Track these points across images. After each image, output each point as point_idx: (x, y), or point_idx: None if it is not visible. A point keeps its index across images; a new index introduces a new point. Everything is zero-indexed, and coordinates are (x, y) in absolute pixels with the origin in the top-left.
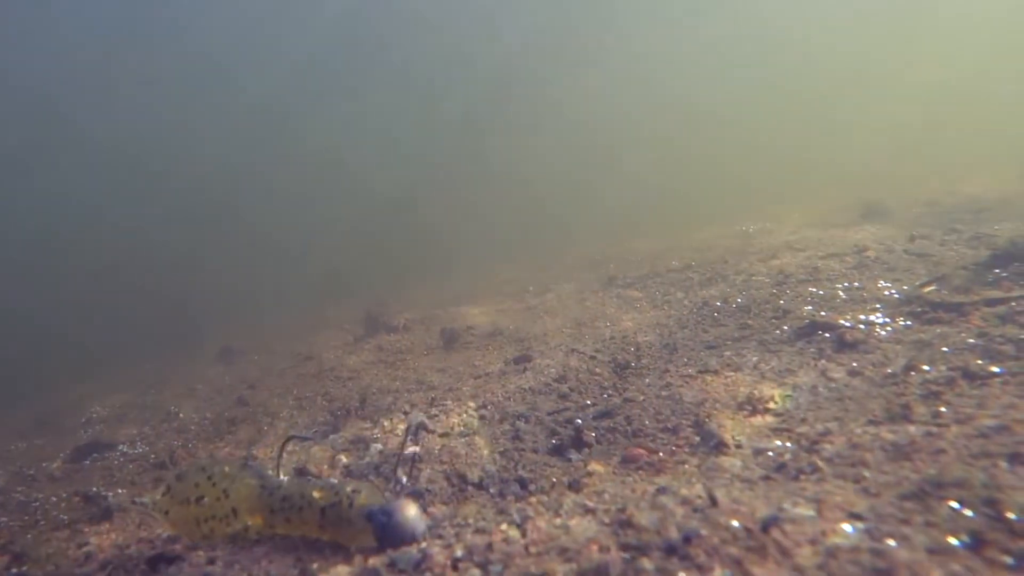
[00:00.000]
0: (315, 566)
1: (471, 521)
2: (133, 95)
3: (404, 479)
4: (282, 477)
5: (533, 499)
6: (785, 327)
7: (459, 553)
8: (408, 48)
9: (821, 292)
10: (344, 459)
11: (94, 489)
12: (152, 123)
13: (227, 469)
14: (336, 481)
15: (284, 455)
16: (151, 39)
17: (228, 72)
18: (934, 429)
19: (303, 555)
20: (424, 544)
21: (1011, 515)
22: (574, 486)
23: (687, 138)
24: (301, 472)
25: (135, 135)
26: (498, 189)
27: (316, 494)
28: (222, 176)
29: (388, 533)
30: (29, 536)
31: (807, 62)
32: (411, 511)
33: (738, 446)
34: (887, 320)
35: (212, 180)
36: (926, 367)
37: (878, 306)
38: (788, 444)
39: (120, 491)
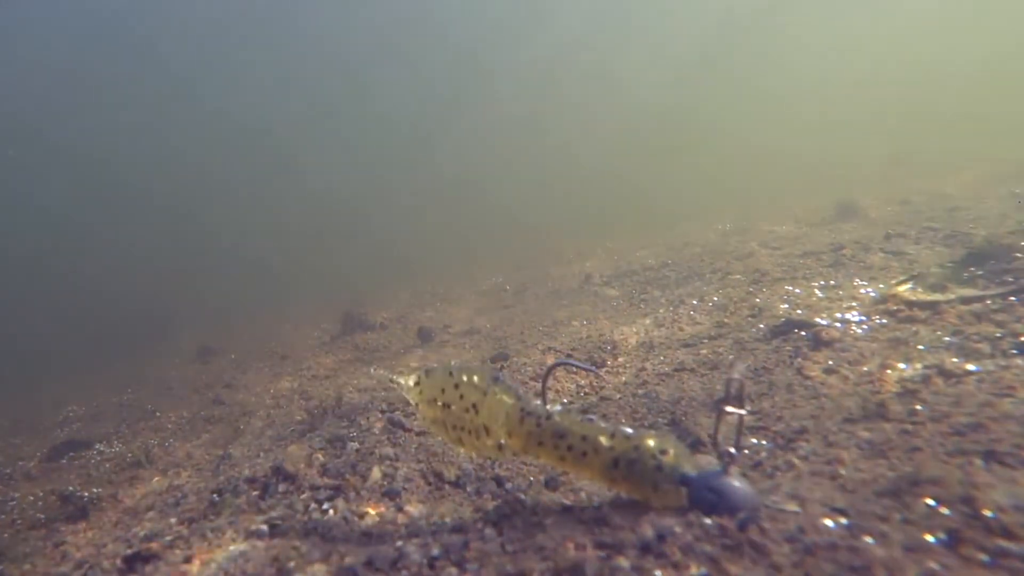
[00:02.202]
0: (291, 565)
1: (448, 520)
2: (102, 102)
3: (731, 448)
4: (548, 408)
5: (510, 497)
6: (761, 325)
7: (436, 552)
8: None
9: (797, 290)
10: (320, 457)
11: (71, 488)
12: (124, 129)
13: (476, 379)
14: (625, 427)
15: (547, 383)
16: (120, 47)
17: (198, 82)
18: (910, 427)
19: (280, 555)
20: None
21: (987, 512)
22: (551, 484)
23: (662, 138)
24: (277, 471)
25: (108, 142)
26: (468, 193)
27: (604, 440)
28: (196, 180)
29: (714, 508)
30: (6, 535)
31: (781, 63)
32: (743, 488)
33: (715, 444)
34: (863, 318)
35: (187, 184)
36: (902, 365)
37: (854, 304)
38: (764, 442)
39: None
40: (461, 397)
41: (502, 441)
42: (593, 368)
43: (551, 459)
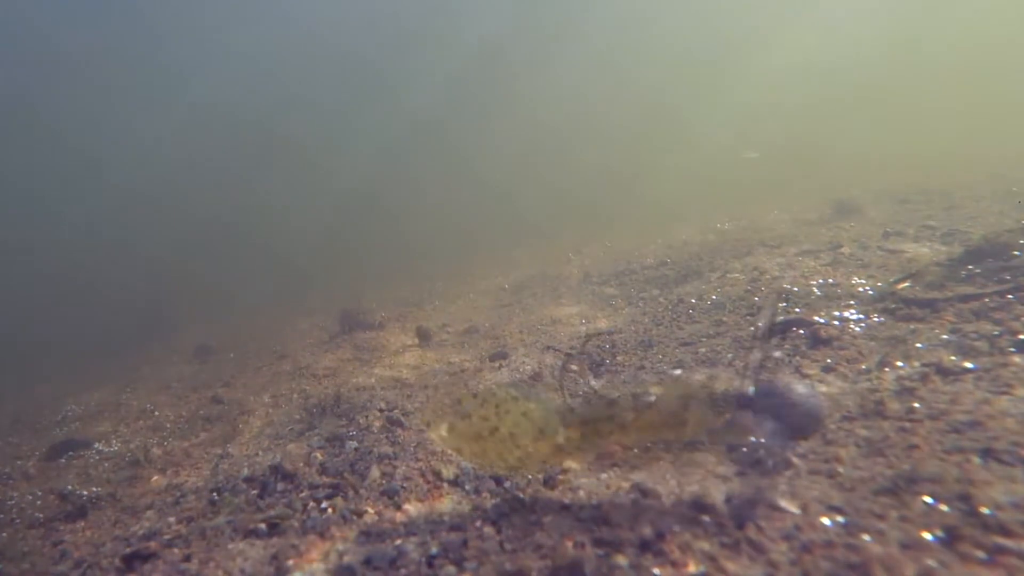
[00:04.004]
0: (290, 563)
1: (446, 518)
2: (98, 97)
3: (777, 352)
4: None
5: (508, 496)
6: (760, 324)
7: (434, 550)
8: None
9: (796, 289)
10: (319, 456)
11: (69, 487)
12: (122, 122)
13: (513, 392)
14: (674, 371)
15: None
16: (121, 41)
17: (201, 75)
18: (908, 425)
19: (278, 552)
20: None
21: (984, 510)
22: (549, 482)
23: (660, 137)
24: (276, 469)
25: (110, 137)
26: (465, 188)
27: (655, 390)
28: (195, 178)
29: (784, 421)
30: (4, 534)
31: (781, 61)
32: (802, 387)
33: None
34: (861, 316)
35: (187, 182)
36: (900, 363)
37: (852, 303)
38: (763, 440)
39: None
40: (507, 413)
41: (561, 440)
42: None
43: (614, 432)
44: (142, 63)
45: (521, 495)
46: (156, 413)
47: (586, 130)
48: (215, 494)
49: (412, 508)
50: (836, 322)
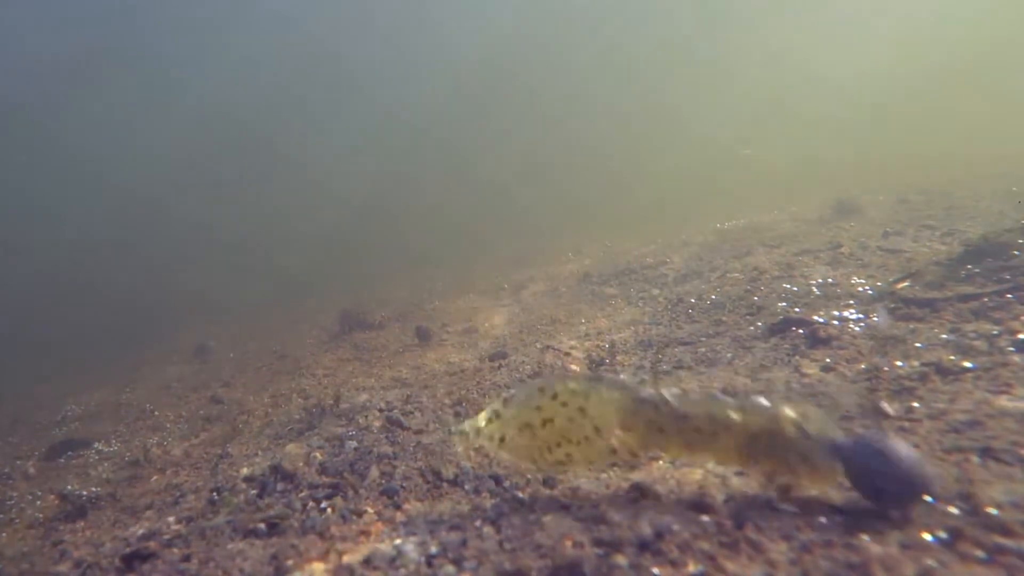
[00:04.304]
0: (290, 563)
1: (446, 518)
2: (100, 99)
3: (886, 405)
4: (663, 392)
5: (508, 495)
6: (759, 323)
7: (434, 550)
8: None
9: (795, 289)
10: (319, 456)
11: (69, 487)
12: (125, 126)
13: (574, 385)
14: (759, 399)
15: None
16: (119, 45)
17: (197, 76)
18: (907, 424)
19: (277, 552)
20: (933, 497)
21: (984, 509)
22: (549, 482)
23: (663, 138)
24: (276, 469)
25: (107, 138)
26: (465, 188)
27: (735, 415)
28: (195, 177)
29: (882, 482)
30: (4, 534)
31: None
32: (908, 450)
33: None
34: (861, 316)
35: (185, 181)
36: (899, 363)
37: (852, 302)
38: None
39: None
40: (564, 406)
41: (615, 444)
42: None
43: (675, 447)
44: (141, 63)
45: (520, 494)
46: (156, 413)
47: (586, 131)
48: (214, 494)
49: (412, 507)
50: (835, 322)
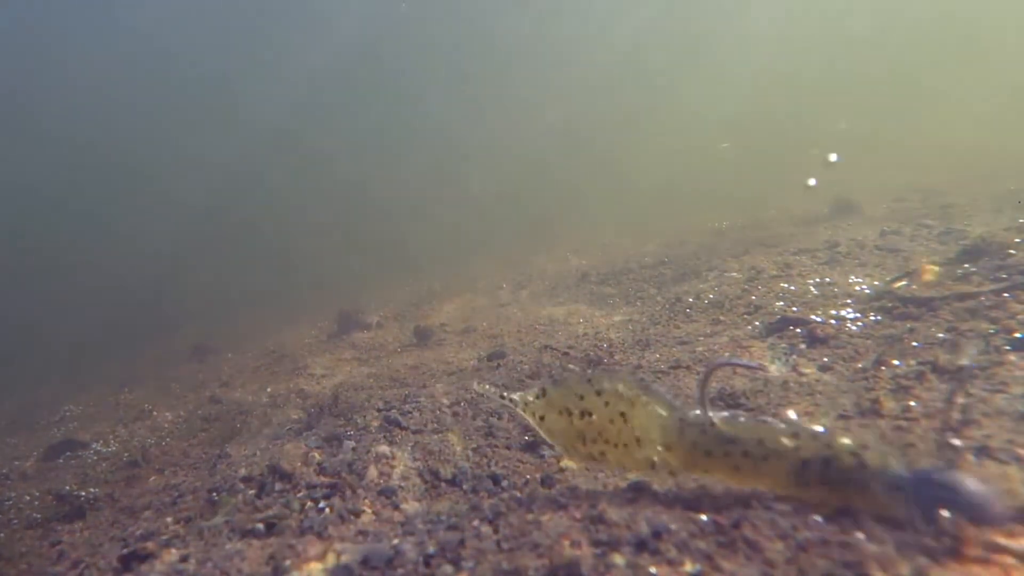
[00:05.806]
0: (288, 563)
1: (444, 517)
2: (105, 91)
3: (956, 439)
4: (709, 414)
5: (506, 495)
6: (757, 323)
7: (431, 550)
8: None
9: (792, 288)
10: (317, 456)
11: (67, 488)
12: (126, 120)
13: (621, 388)
14: (809, 425)
15: (707, 386)
16: (126, 40)
17: (205, 76)
18: (904, 423)
19: (275, 552)
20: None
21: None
22: (547, 482)
23: (658, 137)
24: (274, 469)
25: (109, 133)
26: (465, 188)
27: (787, 441)
28: (199, 176)
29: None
30: (2, 535)
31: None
32: (977, 485)
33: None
34: (858, 315)
35: (188, 180)
36: (896, 362)
37: (849, 301)
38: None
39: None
40: (606, 405)
41: (655, 459)
42: (756, 364)
43: (723, 471)
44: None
45: (518, 494)
46: (154, 413)
47: (586, 131)
48: (213, 494)
49: (410, 507)
50: (833, 321)
